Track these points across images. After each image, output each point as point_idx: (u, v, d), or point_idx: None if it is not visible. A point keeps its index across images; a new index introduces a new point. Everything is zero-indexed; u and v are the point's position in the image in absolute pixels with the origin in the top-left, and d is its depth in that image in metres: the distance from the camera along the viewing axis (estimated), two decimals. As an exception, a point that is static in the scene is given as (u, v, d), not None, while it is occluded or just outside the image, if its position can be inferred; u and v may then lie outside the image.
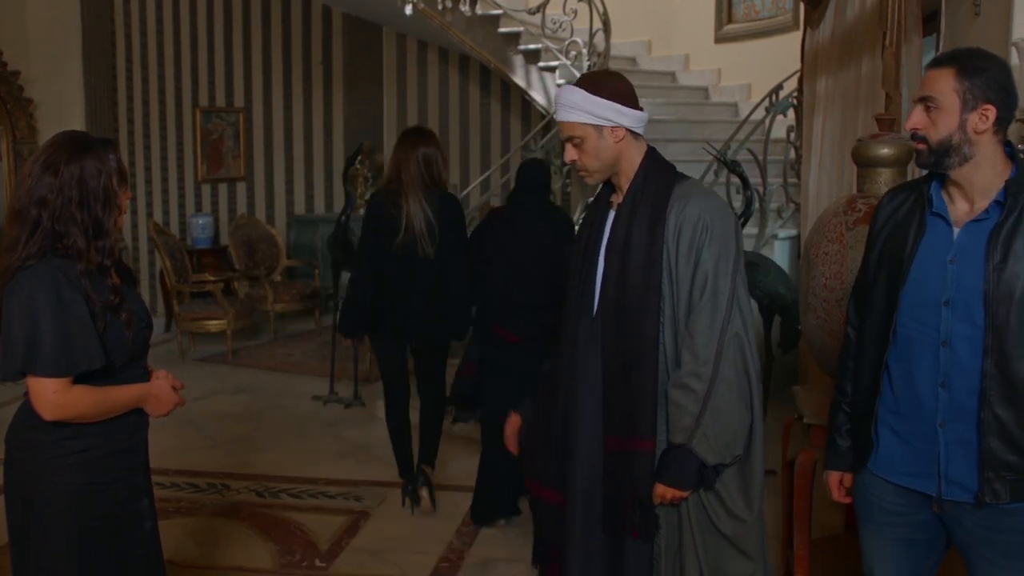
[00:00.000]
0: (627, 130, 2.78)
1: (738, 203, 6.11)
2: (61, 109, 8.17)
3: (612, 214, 2.88)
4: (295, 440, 6.24)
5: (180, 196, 10.07)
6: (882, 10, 3.75)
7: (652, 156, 2.86)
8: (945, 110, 2.32)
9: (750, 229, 6.28)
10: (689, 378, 2.67)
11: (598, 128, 2.77)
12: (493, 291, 4.68)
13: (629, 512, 2.75)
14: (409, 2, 7.84)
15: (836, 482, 2.73)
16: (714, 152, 5.74)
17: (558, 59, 8.64)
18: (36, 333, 2.41)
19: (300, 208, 11.00)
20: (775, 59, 7.71)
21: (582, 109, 2.75)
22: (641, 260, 2.74)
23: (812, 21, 5.87)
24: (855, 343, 2.64)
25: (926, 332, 2.41)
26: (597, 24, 8.38)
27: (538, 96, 8.96)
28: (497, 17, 8.88)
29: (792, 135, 7.24)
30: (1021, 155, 2.42)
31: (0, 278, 2.48)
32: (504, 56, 8.97)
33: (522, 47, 8.88)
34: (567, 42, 8.51)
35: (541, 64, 8.82)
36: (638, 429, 2.74)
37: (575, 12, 8.38)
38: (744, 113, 7.87)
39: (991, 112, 2.31)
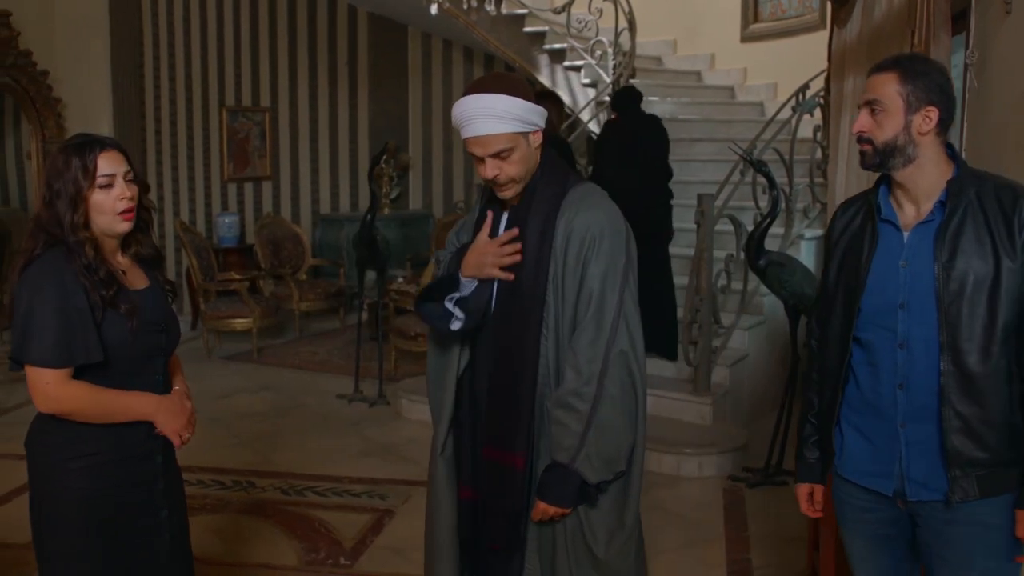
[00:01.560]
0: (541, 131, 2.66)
1: (764, 203, 6.09)
2: (89, 108, 8.23)
3: (505, 215, 2.76)
4: (320, 438, 6.26)
5: (206, 195, 10.12)
6: (911, 8, 3.73)
7: (550, 157, 2.74)
8: (890, 112, 2.39)
9: (776, 229, 6.24)
10: (571, 397, 2.57)
11: (525, 135, 2.60)
12: None
13: (496, 526, 2.70)
14: (434, 2, 7.86)
15: (805, 494, 2.73)
16: (740, 152, 5.71)
17: (583, 58, 8.65)
18: (35, 322, 2.44)
19: (325, 207, 11.03)
20: (801, 58, 7.68)
21: (514, 117, 2.56)
22: (530, 269, 2.63)
23: (839, 20, 5.84)
24: (819, 354, 2.67)
25: (884, 336, 2.45)
26: (622, 23, 8.38)
27: (563, 95, 8.94)
28: (522, 16, 8.88)
29: (819, 135, 7.20)
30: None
31: (24, 264, 2.54)
32: (529, 55, 8.97)
33: (547, 46, 8.88)
34: (592, 41, 8.52)
35: (566, 63, 8.83)
36: (513, 443, 2.67)
37: (600, 11, 8.38)
38: (770, 112, 7.83)
39: (934, 114, 2.37)
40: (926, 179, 2.42)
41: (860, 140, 2.45)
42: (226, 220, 9.96)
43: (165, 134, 9.66)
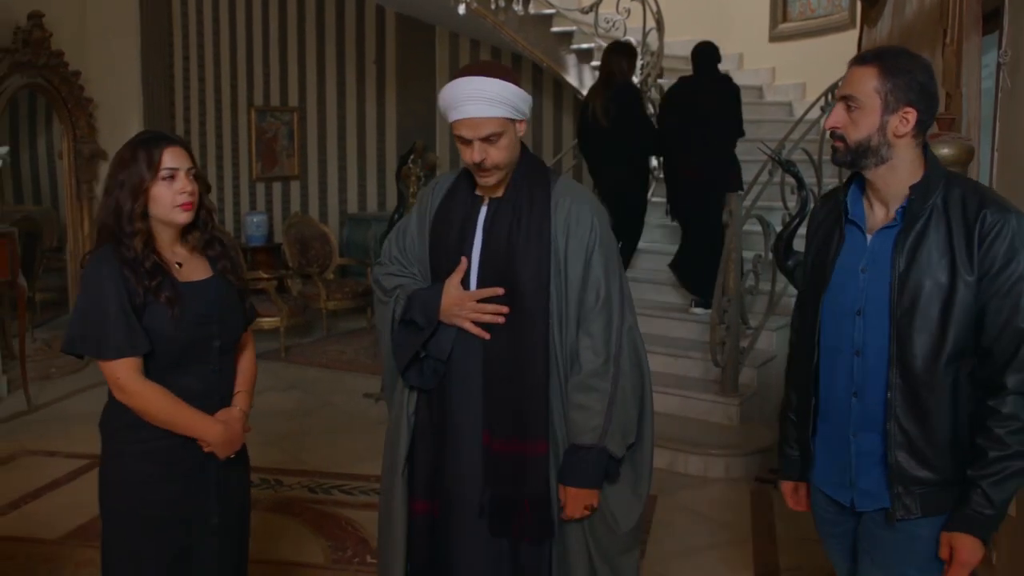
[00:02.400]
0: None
1: (792, 203, 6.06)
2: (120, 108, 8.29)
3: (484, 209, 2.74)
4: (347, 437, 6.27)
5: (235, 194, 10.19)
6: (942, 7, 3.70)
7: (527, 152, 2.76)
8: (866, 110, 2.27)
9: (804, 230, 6.21)
10: (593, 379, 2.64)
11: (513, 122, 2.61)
12: None
13: (525, 517, 2.69)
14: (462, 1, 7.87)
15: (790, 490, 2.69)
16: (768, 152, 5.68)
17: (611, 58, 8.61)
18: (85, 316, 2.55)
19: (353, 207, 11.07)
20: (830, 58, 7.61)
21: (505, 102, 2.56)
22: (531, 261, 2.65)
23: (869, 19, 5.79)
24: (793, 356, 2.63)
25: (843, 342, 2.38)
26: (651, 23, 8.37)
27: (590, 95, 8.93)
28: (550, 16, 8.88)
29: (848, 134, 7.15)
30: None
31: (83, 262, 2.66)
32: (557, 55, 8.97)
33: (575, 46, 8.88)
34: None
35: (594, 63, 8.81)
36: (532, 432, 2.67)
37: (628, 11, 8.37)
38: (799, 112, 7.79)
39: (912, 115, 2.26)
40: (898, 182, 2.31)
41: (833, 136, 2.34)
42: (254, 219, 10.02)
43: (194, 134, 9.73)
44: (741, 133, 6.75)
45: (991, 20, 3.80)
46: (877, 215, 2.37)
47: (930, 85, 2.28)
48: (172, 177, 2.59)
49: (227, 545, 2.80)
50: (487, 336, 2.68)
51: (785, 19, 9.77)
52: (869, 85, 2.26)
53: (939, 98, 2.33)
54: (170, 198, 2.60)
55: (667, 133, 6.94)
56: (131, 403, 2.57)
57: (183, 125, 9.58)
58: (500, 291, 2.66)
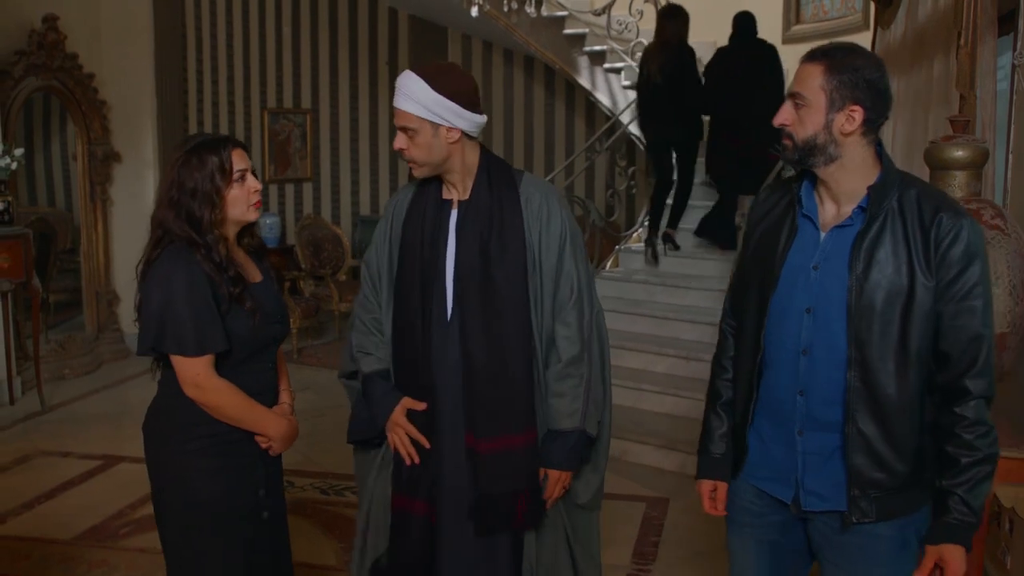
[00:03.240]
0: (462, 132, 2.72)
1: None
2: (133, 110, 8.33)
3: (454, 213, 2.81)
4: (359, 439, 6.27)
5: (248, 196, 10.20)
6: (956, 10, 3.68)
7: (489, 155, 2.85)
8: (812, 108, 2.24)
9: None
10: (571, 367, 2.78)
11: (434, 125, 2.68)
12: None
13: (519, 507, 2.76)
14: (475, 4, 7.87)
15: (708, 491, 2.61)
16: (781, 153, 5.67)
17: (623, 60, 8.63)
18: (170, 313, 2.55)
19: (365, 208, 11.09)
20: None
21: (420, 102, 2.66)
22: (508, 259, 2.74)
23: (883, 21, 5.78)
24: (733, 345, 2.56)
25: (788, 339, 2.34)
26: (663, 25, 8.32)
27: (603, 97, 8.93)
28: (562, 19, 8.88)
29: (861, 137, 7.13)
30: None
31: (144, 266, 2.66)
32: (569, 57, 8.96)
33: (587, 48, 8.87)
34: (633, 43, 8.51)
35: (606, 65, 8.81)
36: (518, 424, 2.76)
37: (641, 13, 8.36)
38: (812, 114, 7.75)
39: (858, 113, 2.22)
40: (849, 180, 2.28)
41: (782, 133, 2.30)
42: (267, 221, 10.04)
43: (208, 136, 9.75)
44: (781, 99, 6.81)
45: (1006, 22, 3.79)
46: (828, 212, 2.33)
47: (879, 83, 2.24)
48: (243, 179, 2.64)
49: (278, 539, 2.88)
50: (412, 461, 2.83)
51: (799, 21, 9.73)
52: (815, 82, 2.23)
53: (891, 96, 2.29)
54: (244, 199, 2.66)
55: (709, 94, 7.36)
56: (206, 399, 2.61)
57: (196, 127, 9.60)
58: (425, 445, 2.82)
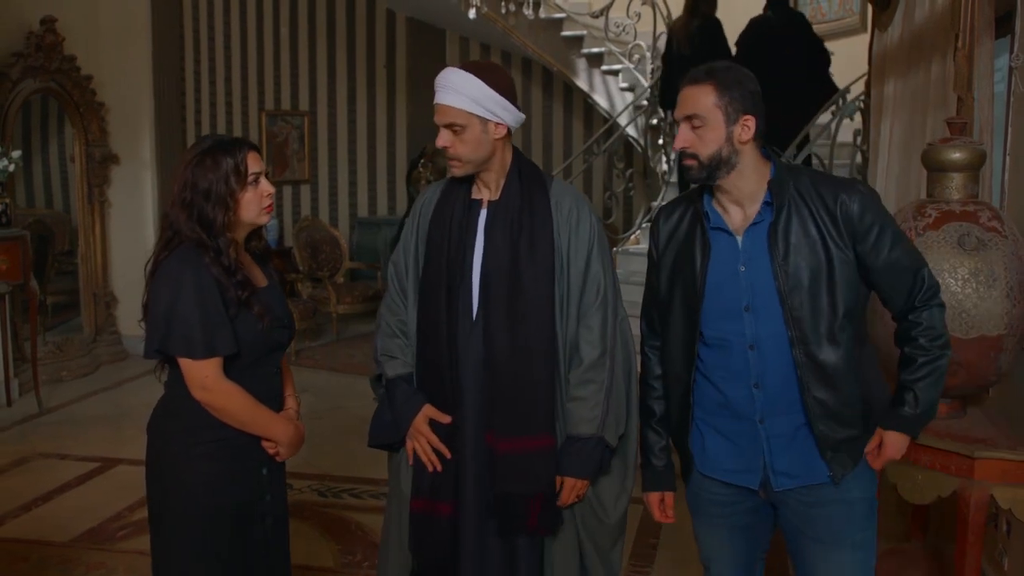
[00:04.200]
0: (508, 129, 2.74)
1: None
2: (131, 112, 8.32)
3: (484, 213, 2.81)
4: (356, 441, 6.22)
5: (246, 198, 10.19)
6: (954, 11, 3.68)
7: (520, 156, 2.85)
8: (711, 126, 2.40)
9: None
10: (591, 371, 2.76)
11: (483, 120, 2.68)
12: None
13: (537, 510, 2.75)
14: (472, 6, 7.88)
15: (656, 502, 2.76)
16: (779, 155, 5.68)
17: (621, 62, 8.64)
18: (178, 315, 2.53)
19: (363, 210, 11.09)
20: (842, 62, 7.61)
21: (470, 97, 2.66)
22: (537, 262, 2.74)
23: (881, 23, 5.78)
24: (658, 363, 2.70)
25: (732, 339, 2.48)
26: (661, 27, 8.35)
27: (601, 99, 8.94)
28: (560, 21, 8.89)
29: (859, 139, 7.14)
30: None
31: (153, 266, 2.63)
32: (567, 59, 8.97)
33: (585, 50, 8.88)
34: (630, 45, 8.51)
35: (604, 67, 8.82)
36: (539, 427, 2.76)
37: (639, 15, 8.36)
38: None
39: (751, 122, 2.41)
40: (748, 183, 2.45)
41: (684, 156, 2.46)
42: (265, 223, 10.04)
43: (205, 138, 9.75)
44: (832, 87, 6.98)
45: (1003, 24, 3.79)
46: (736, 217, 2.50)
47: (758, 92, 2.44)
48: (257, 182, 2.63)
49: (278, 544, 2.87)
50: (438, 466, 2.81)
51: (796, 23, 9.73)
52: (708, 101, 2.40)
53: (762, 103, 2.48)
54: (257, 202, 2.64)
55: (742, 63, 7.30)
56: (214, 402, 2.59)
57: (194, 128, 9.61)
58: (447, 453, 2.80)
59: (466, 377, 2.78)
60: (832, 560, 2.53)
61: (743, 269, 2.46)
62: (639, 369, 2.79)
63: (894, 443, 2.52)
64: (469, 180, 2.82)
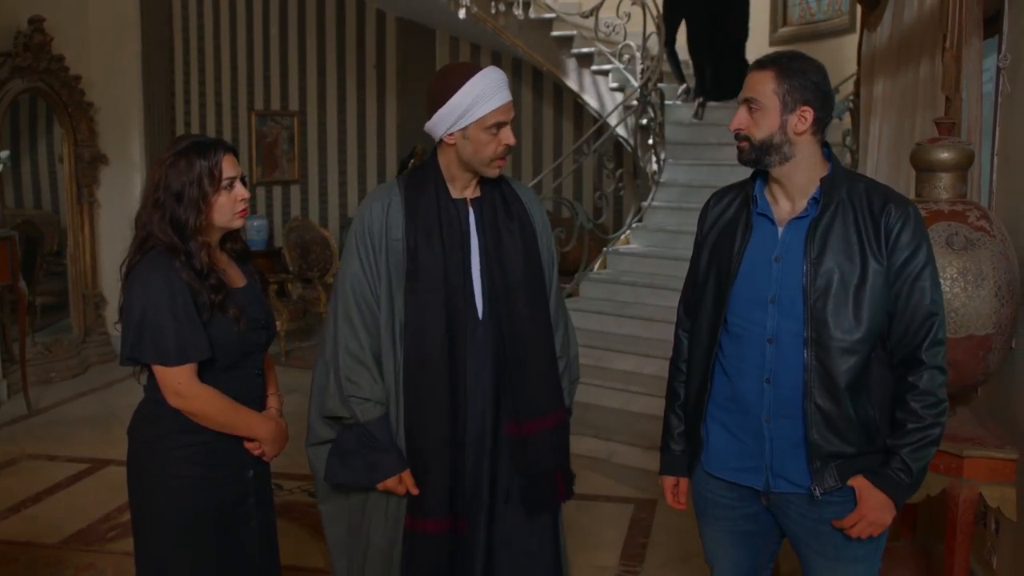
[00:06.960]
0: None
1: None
2: (121, 112, 8.29)
3: (471, 211, 2.82)
4: (347, 441, 6.26)
5: (235, 198, 10.17)
6: (942, 12, 3.70)
7: None
8: (766, 111, 2.41)
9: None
10: (572, 352, 3.03)
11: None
12: None
13: (563, 482, 2.89)
14: (462, 6, 7.88)
15: (671, 486, 2.76)
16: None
17: (611, 62, 8.64)
18: (149, 322, 2.51)
19: (353, 210, 11.06)
20: (831, 62, 7.59)
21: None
22: (529, 249, 2.85)
23: (870, 23, 5.80)
24: (687, 346, 2.70)
25: (754, 330, 2.48)
26: (651, 27, 8.36)
27: (591, 99, 8.95)
28: (550, 21, 8.89)
29: (848, 139, 7.17)
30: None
31: (127, 269, 2.62)
32: (557, 59, 8.98)
33: (575, 51, 8.89)
34: (620, 45, 8.52)
35: (594, 67, 8.83)
36: (556, 404, 2.89)
37: (628, 15, 8.37)
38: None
39: (809, 113, 2.40)
40: (801, 176, 2.45)
41: (738, 137, 2.47)
42: (254, 223, 10.02)
43: (195, 138, 9.72)
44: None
45: (991, 24, 3.81)
46: (783, 208, 2.49)
47: (824, 85, 2.41)
48: (231, 187, 2.60)
49: (266, 547, 2.85)
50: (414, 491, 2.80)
51: (786, 23, 9.77)
52: (768, 87, 2.41)
53: (835, 97, 2.47)
54: (230, 207, 2.62)
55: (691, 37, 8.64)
56: (190, 407, 2.58)
57: (183, 129, 9.57)
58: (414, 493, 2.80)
59: (475, 375, 2.79)
60: (839, 573, 2.54)
61: (777, 260, 2.45)
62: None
63: (872, 497, 2.41)
64: (433, 180, 2.78)
